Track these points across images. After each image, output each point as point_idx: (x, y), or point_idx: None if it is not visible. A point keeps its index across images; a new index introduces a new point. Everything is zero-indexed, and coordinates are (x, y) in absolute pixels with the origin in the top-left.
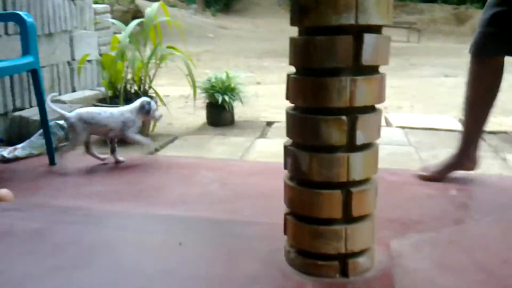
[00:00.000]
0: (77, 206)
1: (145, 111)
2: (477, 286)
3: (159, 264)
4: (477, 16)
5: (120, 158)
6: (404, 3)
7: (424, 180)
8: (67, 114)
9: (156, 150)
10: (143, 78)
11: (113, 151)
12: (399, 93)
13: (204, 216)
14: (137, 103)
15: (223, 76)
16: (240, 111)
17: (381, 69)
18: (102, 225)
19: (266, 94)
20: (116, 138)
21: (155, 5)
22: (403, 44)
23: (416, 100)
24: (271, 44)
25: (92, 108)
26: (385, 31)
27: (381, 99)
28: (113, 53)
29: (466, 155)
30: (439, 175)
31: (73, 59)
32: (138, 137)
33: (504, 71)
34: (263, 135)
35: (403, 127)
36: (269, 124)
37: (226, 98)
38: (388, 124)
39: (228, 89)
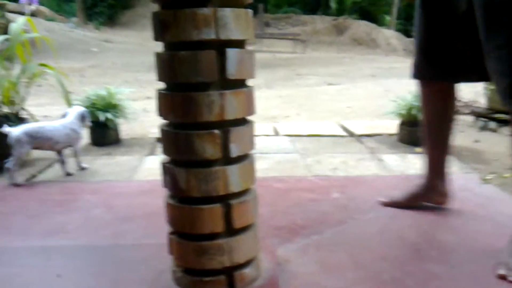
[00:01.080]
0: None
1: (86, 120)
2: (356, 284)
3: None
4: (355, 27)
5: (83, 165)
6: (288, 15)
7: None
8: (10, 130)
9: (33, 176)
10: (13, 99)
11: (62, 163)
12: (286, 103)
13: (86, 244)
14: (74, 113)
15: (104, 93)
16: (127, 128)
17: (251, 82)
18: None
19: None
20: (62, 150)
21: (21, 19)
22: (290, 55)
23: (302, 108)
24: None
25: (35, 124)
26: (272, 42)
27: (251, 111)
28: None
29: (432, 188)
30: (403, 205)
31: None
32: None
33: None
34: (152, 152)
35: (290, 135)
36: (159, 140)
37: (109, 115)
38: (276, 133)
39: (110, 106)
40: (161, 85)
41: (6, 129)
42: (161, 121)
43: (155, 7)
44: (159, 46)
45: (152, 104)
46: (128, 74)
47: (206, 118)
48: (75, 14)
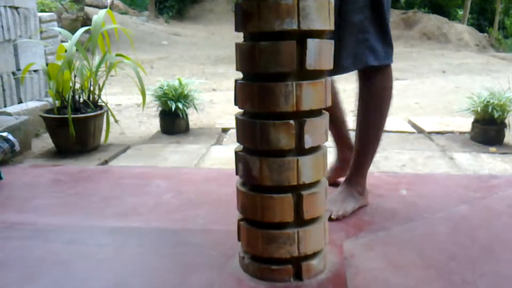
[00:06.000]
0: (23, 221)
1: None
2: (426, 283)
3: (111, 277)
4: (425, 21)
5: None
6: None
7: None
8: None
9: (106, 161)
10: (92, 87)
11: None
12: (350, 97)
13: (157, 226)
14: None
15: (176, 83)
16: (195, 118)
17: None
18: (49, 240)
19: (222, 101)
20: None
21: (102, 12)
22: None
23: None
24: (225, 50)
25: None
26: None
27: (326, 102)
28: (59, 62)
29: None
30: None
31: (18, 69)
32: None
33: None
34: (218, 142)
35: (354, 130)
36: (225, 130)
37: (180, 105)
38: None
39: (181, 96)
40: (234, 76)
41: None
42: (225, 112)
43: (224, 2)
44: (224, 41)
45: (218, 96)
46: (195, 66)
47: (282, 108)
48: (147, 8)
